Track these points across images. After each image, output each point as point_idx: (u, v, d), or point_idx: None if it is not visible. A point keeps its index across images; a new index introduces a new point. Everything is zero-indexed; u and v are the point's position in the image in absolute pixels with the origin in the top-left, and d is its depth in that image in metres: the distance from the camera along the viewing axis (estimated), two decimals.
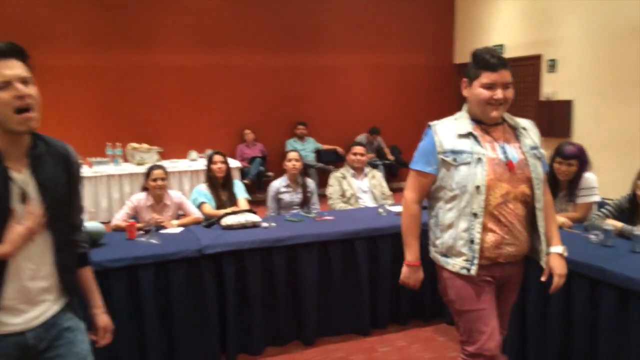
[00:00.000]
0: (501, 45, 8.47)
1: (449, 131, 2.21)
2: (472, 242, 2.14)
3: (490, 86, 2.13)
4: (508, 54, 8.37)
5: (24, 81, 1.58)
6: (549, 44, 7.62)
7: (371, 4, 8.90)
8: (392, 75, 9.09)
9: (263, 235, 3.53)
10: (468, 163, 2.13)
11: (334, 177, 4.80)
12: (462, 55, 9.42)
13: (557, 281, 2.24)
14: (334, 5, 8.72)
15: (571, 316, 2.87)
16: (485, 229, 2.14)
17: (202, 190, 4.37)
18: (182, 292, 3.29)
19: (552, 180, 3.61)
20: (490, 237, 2.14)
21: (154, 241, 3.42)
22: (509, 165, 2.14)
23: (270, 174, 8.01)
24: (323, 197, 4.98)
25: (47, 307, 1.72)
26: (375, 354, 3.48)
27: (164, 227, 3.77)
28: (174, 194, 4.14)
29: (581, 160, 3.54)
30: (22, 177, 1.63)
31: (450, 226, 2.19)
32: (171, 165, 6.96)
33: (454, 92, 9.59)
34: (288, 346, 3.61)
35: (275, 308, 3.56)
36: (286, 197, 4.59)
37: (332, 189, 4.75)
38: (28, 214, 1.60)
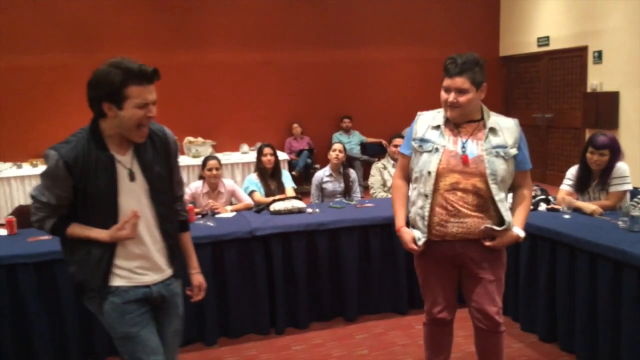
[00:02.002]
0: (547, 37, 8.46)
1: (426, 122, 2.54)
2: (423, 218, 2.48)
3: (446, 89, 2.42)
4: (554, 45, 8.37)
5: (154, 103, 1.93)
6: (594, 35, 7.58)
7: None
8: (436, 69, 9.12)
9: (308, 220, 3.84)
10: (429, 151, 2.46)
11: (375, 168, 5.06)
12: (508, 48, 9.44)
13: (491, 242, 2.45)
14: (378, 0, 8.92)
15: (597, 296, 3.04)
16: (433, 209, 2.45)
17: (253, 180, 4.72)
18: (235, 270, 3.64)
19: (585, 170, 3.76)
20: (436, 217, 2.45)
21: (210, 224, 3.79)
22: (463, 158, 2.41)
23: (317, 166, 8.32)
24: (366, 188, 5.23)
25: (164, 268, 2.07)
26: (413, 330, 3.72)
27: (218, 212, 4.15)
28: (228, 183, 4.52)
29: (613, 149, 3.65)
30: (126, 159, 1.96)
31: (413, 203, 2.55)
32: (224, 157, 7.37)
33: (499, 85, 9.63)
34: (331, 322, 3.91)
35: (319, 286, 3.87)
36: (329, 186, 4.88)
37: (373, 179, 5.01)
38: (132, 224, 1.93)
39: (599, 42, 7.51)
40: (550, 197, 4.01)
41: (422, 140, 2.50)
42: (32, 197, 1.99)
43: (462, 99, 2.37)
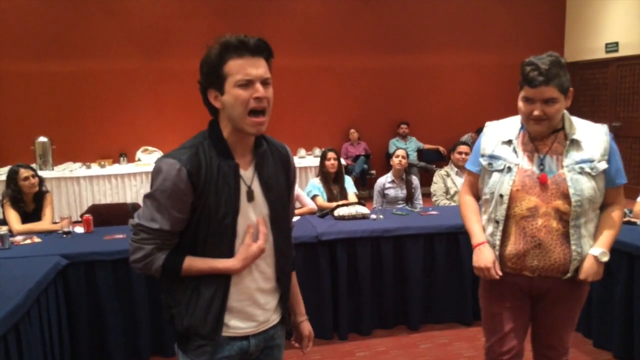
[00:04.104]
0: (616, 43, 8.16)
1: (495, 135, 2.20)
2: (494, 247, 2.16)
3: (529, 101, 2.03)
4: (623, 52, 8.06)
5: (265, 82, 1.51)
6: None
7: (475, 3, 8.92)
8: (497, 75, 9.02)
9: (373, 226, 3.83)
10: (501, 170, 2.12)
11: (439, 175, 5.00)
12: (573, 54, 9.15)
13: (581, 282, 2.09)
14: (437, 6, 8.84)
15: None
16: (507, 238, 2.12)
17: (316, 184, 4.76)
18: (301, 273, 3.61)
19: None
20: (512, 247, 2.11)
21: None
22: (540, 178, 2.06)
23: (373, 172, 8.31)
24: (424, 196, 5.18)
25: (270, 315, 1.67)
26: (478, 342, 3.64)
27: None
28: None
29: None
30: (248, 175, 1.59)
31: (484, 228, 2.24)
32: None
33: None
34: (394, 329, 3.89)
35: (382, 293, 3.85)
36: (391, 193, 4.85)
37: (436, 186, 4.95)
38: (262, 232, 1.56)
39: None
40: (625, 210, 3.85)
41: (492, 157, 2.16)
42: (137, 226, 1.55)
43: (551, 110, 2.00)
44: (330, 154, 4.75)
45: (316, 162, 7.03)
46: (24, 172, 4.05)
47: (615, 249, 3.27)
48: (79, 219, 4.24)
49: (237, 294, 1.59)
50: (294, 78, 8.52)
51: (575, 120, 2.13)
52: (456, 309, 3.93)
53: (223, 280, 1.56)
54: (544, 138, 2.10)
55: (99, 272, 3.35)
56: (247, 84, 1.48)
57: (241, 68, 1.47)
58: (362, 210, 4.10)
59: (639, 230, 3.45)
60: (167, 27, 8.01)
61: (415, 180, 4.99)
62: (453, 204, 4.77)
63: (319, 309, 3.73)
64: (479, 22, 8.96)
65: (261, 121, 1.51)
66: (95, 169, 7.30)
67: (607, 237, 2.09)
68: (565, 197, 2.03)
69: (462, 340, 3.71)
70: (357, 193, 4.93)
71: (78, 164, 7.56)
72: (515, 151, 2.13)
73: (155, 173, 1.52)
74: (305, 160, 7.94)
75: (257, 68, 1.49)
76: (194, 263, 1.55)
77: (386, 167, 7.77)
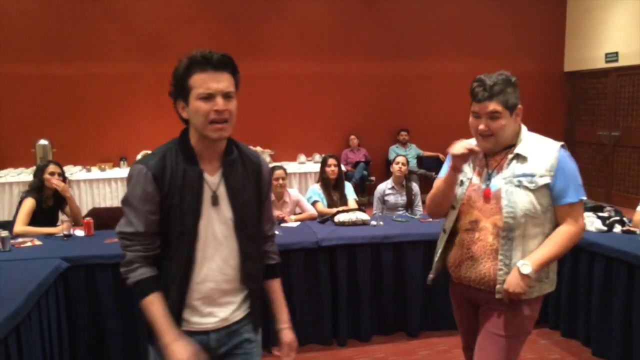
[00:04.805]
0: (616, 53, 8.20)
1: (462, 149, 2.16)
2: (435, 254, 2.28)
3: (476, 116, 2.08)
4: (623, 62, 8.10)
5: (227, 95, 1.61)
6: None
7: (475, 11, 8.97)
8: None
9: (373, 232, 3.85)
10: (460, 183, 2.17)
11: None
12: (573, 63, 9.20)
13: (503, 295, 2.05)
14: (438, 14, 8.88)
15: None
16: (452, 248, 2.20)
17: (316, 190, 4.77)
18: (301, 279, 3.68)
19: None
20: (451, 257, 2.20)
21: (276, 232, 3.84)
22: (484, 193, 2.10)
23: (372, 178, 8.32)
24: (424, 203, 5.19)
25: (230, 313, 1.74)
26: None
27: (284, 221, 4.20)
28: (293, 192, 4.59)
29: None
30: (214, 180, 1.68)
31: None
32: None
33: (563, 100, 9.39)
34: (393, 336, 3.89)
35: (382, 299, 3.86)
36: (391, 199, 4.86)
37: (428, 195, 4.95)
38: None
39: None
40: (625, 219, 3.87)
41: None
42: (118, 234, 1.68)
43: (495, 125, 2.03)
44: (331, 161, 4.76)
45: (316, 167, 7.05)
46: (52, 167, 4.19)
47: (616, 258, 3.32)
48: (80, 222, 4.25)
49: (197, 294, 1.69)
50: (295, 83, 8.55)
51: (530, 137, 2.12)
52: None
53: (184, 281, 1.66)
54: (496, 154, 2.12)
55: (99, 275, 3.36)
56: (208, 97, 1.59)
57: (203, 82, 1.59)
58: (362, 216, 4.11)
59: (638, 239, 3.46)
60: (169, 31, 8.03)
61: (415, 187, 5.01)
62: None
63: (318, 315, 3.74)
64: (479, 30, 9.00)
65: (222, 127, 1.61)
66: (95, 173, 7.31)
67: (539, 251, 2.04)
68: (501, 210, 2.05)
69: (461, 347, 3.70)
70: (357, 199, 4.94)
71: (78, 167, 7.57)
72: (470, 166, 2.17)
73: (128, 179, 1.66)
74: (305, 166, 7.95)
75: (219, 82, 1.59)
76: (152, 306, 1.64)
77: (386, 174, 7.79)
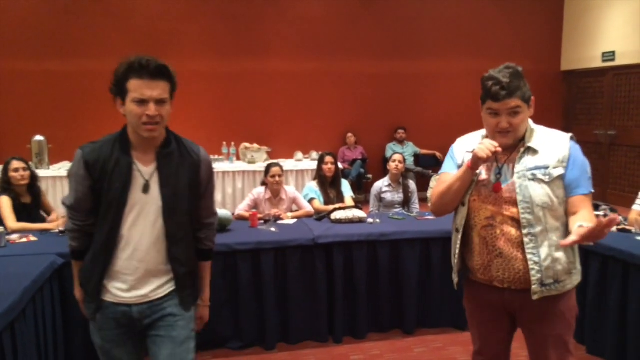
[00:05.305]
0: (613, 52, 8.21)
1: (463, 146, 2.21)
2: (454, 255, 2.18)
3: (494, 114, 2.02)
4: (620, 61, 8.11)
5: (159, 102, 1.80)
6: None
7: (473, 10, 8.96)
8: None
9: (369, 230, 3.85)
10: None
11: (435, 181, 5.02)
12: (570, 62, 9.21)
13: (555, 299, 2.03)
14: (434, 12, 8.88)
15: None
16: (474, 249, 2.11)
17: (313, 187, 4.77)
18: (297, 276, 3.68)
19: None
20: (478, 259, 2.10)
21: (273, 229, 3.85)
22: (494, 187, 2.06)
23: (369, 176, 8.32)
24: (421, 200, 5.20)
25: (151, 291, 1.93)
26: (472, 347, 3.65)
27: (280, 218, 4.20)
28: (289, 189, 4.58)
29: None
30: (148, 170, 1.87)
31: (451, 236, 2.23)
32: None
33: (560, 99, 9.40)
34: (389, 333, 3.89)
35: (378, 297, 3.86)
36: (388, 196, 4.87)
37: (432, 191, 4.96)
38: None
39: None
40: (620, 218, 3.88)
41: (460, 167, 2.14)
42: (63, 205, 1.98)
43: (516, 121, 2.00)
44: (328, 158, 4.76)
45: (313, 165, 7.04)
46: (15, 164, 4.07)
47: (611, 256, 3.33)
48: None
49: (124, 269, 1.90)
50: (293, 81, 8.53)
51: (539, 129, 2.12)
52: (451, 313, 3.94)
53: (107, 258, 1.89)
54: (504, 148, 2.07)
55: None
56: (142, 102, 1.78)
57: (139, 88, 1.77)
58: (359, 214, 4.12)
59: (633, 238, 3.47)
60: (167, 29, 8.01)
61: (412, 184, 5.01)
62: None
63: (314, 312, 3.74)
64: (477, 29, 9.00)
65: (152, 128, 1.82)
66: None
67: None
68: (517, 204, 2.01)
69: (457, 344, 3.72)
70: (354, 197, 4.94)
71: (61, 164, 7.51)
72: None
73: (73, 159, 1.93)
74: (302, 163, 7.94)
75: (153, 90, 1.78)
76: (73, 268, 2.05)
77: (383, 172, 7.80)
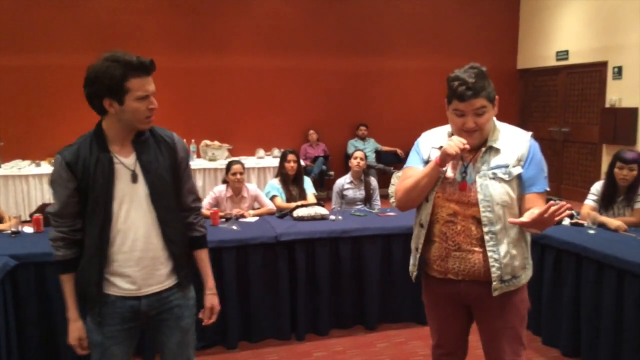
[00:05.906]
0: (566, 51, 8.46)
1: (429, 142, 2.21)
2: (417, 249, 2.20)
3: (460, 113, 2.04)
4: (573, 60, 8.37)
5: (154, 94, 1.93)
6: (614, 51, 7.57)
7: (434, 9, 9.09)
8: None
9: (331, 227, 3.86)
10: None
11: (396, 177, 5.08)
12: (526, 61, 9.45)
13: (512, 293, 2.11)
14: (396, 10, 8.96)
15: (623, 312, 3.03)
16: (433, 242, 2.14)
17: (275, 185, 4.75)
18: (259, 274, 3.66)
19: (611, 185, 3.76)
20: (435, 251, 2.14)
21: (234, 227, 3.81)
22: (460, 185, 2.09)
23: (331, 173, 8.35)
24: (382, 197, 5.25)
25: (161, 280, 1.98)
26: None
27: (242, 216, 4.17)
28: (251, 187, 4.55)
29: None
30: (130, 161, 1.93)
31: (413, 230, 2.26)
32: None
33: (516, 97, 9.63)
34: (352, 329, 3.92)
35: (340, 293, 3.87)
36: (350, 193, 4.89)
37: (394, 188, 5.02)
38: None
39: (620, 58, 7.50)
40: (573, 212, 4.00)
41: (427, 163, 2.15)
42: (48, 214, 2.02)
43: (482, 120, 2.03)
44: (291, 156, 4.75)
45: (275, 162, 7.02)
46: None
47: (565, 250, 3.44)
48: (28, 219, 4.09)
49: (128, 262, 1.92)
50: (253, 78, 8.47)
51: (503, 128, 2.15)
52: (412, 308, 3.99)
53: (102, 255, 1.90)
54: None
55: (49, 274, 3.24)
56: (145, 98, 1.88)
57: (142, 86, 1.87)
58: (321, 211, 4.12)
59: (585, 232, 3.59)
60: (125, 22, 7.82)
61: (373, 181, 5.05)
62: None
63: (276, 310, 3.73)
64: (437, 28, 9.13)
65: (152, 120, 1.95)
66: (45, 167, 7.05)
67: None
68: (478, 203, 2.06)
69: (418, 338, 3.78)
70: (316, 194, 4.94)
71: (27, 162, 7.29)
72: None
73: (52, 166, 1.95)
74: (263, 160, 7.91)
75: (151, 84, 1.90)
76: (63, 285, 1.99)
77: (345, 169, 7.82)
